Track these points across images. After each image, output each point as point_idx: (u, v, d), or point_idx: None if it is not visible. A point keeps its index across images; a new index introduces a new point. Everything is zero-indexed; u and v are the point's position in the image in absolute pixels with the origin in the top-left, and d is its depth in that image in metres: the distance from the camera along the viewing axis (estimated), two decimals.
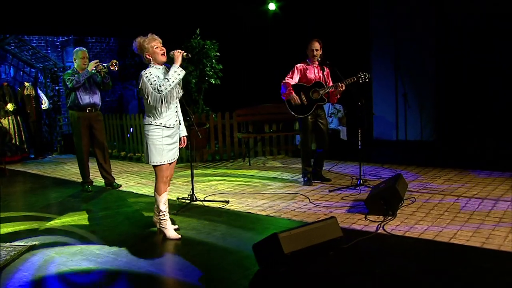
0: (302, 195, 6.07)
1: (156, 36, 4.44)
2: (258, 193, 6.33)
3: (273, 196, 6.09)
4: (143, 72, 4.33)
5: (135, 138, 9.89)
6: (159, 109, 4.32)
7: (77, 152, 6.97)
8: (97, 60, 6.93)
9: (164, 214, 4.56)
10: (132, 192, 6.80)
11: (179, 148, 4.70)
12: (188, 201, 5.90)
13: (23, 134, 9.94)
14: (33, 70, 11.38)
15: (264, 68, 10.18)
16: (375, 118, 9.89)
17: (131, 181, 7.52)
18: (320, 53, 6.52)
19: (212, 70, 9.17)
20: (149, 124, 4.40)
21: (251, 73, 10.38)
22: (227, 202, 5.90)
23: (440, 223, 4.65)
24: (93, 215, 5.65)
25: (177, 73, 4.29)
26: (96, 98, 6.93)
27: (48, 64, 11.12)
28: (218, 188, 6.73)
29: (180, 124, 4.65)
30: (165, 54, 4.40)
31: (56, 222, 5.34)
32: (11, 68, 10.92)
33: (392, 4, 9.53)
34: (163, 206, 4.54)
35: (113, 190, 6.97)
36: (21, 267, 3.96)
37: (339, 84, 6.34)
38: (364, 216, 5.00)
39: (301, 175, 6.95)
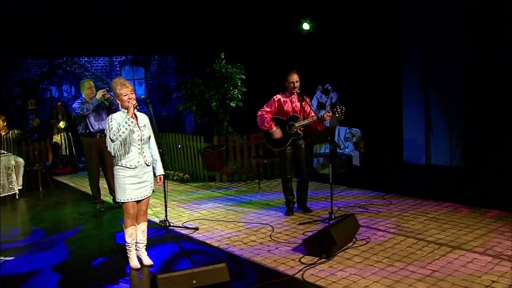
0: (271, 226, 6.12)
1: (128, 83, 4.75)
2: (234, 221, 6.47)
3: (244, 226, 6.21)
4: (108, 118, 4.71)
5: (169, 156, 10.48)
6: (118, 152, 4.66)
7: (89, 174, 7.56)
8: (105, 89, 7.40)
9: (129, 245, 4.87)
10: None
11: (159, 185, 5.08)
12: (162, 225, 6.24)
13: (73, 149, 10.99)
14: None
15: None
16: (405, 141, 9.50)
17: None
18: (299, 84, 6.49)
19: (235, 93, 9.39)
20: (114, 164, 4.75)
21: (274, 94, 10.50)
22: (197, 229, 6.14)
23: (367, 270, 4.51)
24: (80, 235, 6.21)
25: (127, 124, 4.59)
26: (105, 124, 7.46)
27: (101, 84, 12.16)
28: (204, 213, 6.97)
29: (151, 164, 4.87)
30: (130, 102, 4.66)
31: (42, 241, 6.00)
32: (73, 87, 12.13)
33: (423, 28, 9.11)
34: (129, 239, 4.84)
35: (118, 209, 7.50)
36: None
37: (314, 119, 6.26)
38: (302, 256, 4.96)
39: None
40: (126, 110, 4.71)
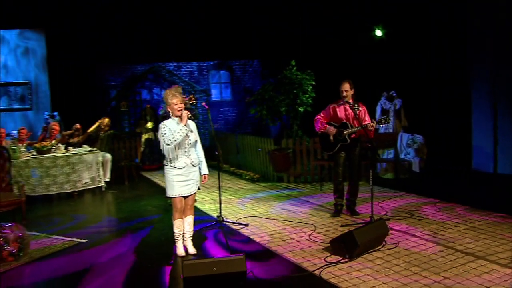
0: (314, 226, 6.56)
1: (178, 94, 5.53)
2: (283, 219, 7.00)
3: (291, 224, 6.72)
4: (161, 124, 5.48)
5: (242, 155, 11.26)
6: (171, 155, 5.43)
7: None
8: (184, 96, 8.22)
9: (176, 235, 5.65)
10: (196, 207, 8.09)
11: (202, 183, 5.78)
12: (217, 220, 6.96)
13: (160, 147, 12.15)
14: None
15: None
16: (474, 148, 9.35)
17: (208, 197, 8.80)
18: (351, 93, 6.84)
19: (305, 99, 9.89)
20: (164, 164, 5.56)
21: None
22: (247, 225, 6.77)
23: (382, 273, 4.81)
24: (146, 224, 7.11)
25: (182, 131, 5.34)
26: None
27: (188, 88, 13.26)
28: (260, 211, 7.58)
29: (197, 164, 5.59)
30: (181, 110, 5.45)
31: (113, 228, 7.03)
32: (162, 90, 13.38)
33: (493, 35, 8.92)
34: (176, 229, 5.62)
35: None
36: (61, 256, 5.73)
37: (361, 128, 6.58)
38: (329, 255, 5.38)
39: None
40: (176, 118, 5.45)
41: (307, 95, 10.02)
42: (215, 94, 14.64)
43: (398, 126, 9.37)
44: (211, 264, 4.53)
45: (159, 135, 5.46)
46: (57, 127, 10.08)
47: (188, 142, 5.47)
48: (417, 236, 5.92)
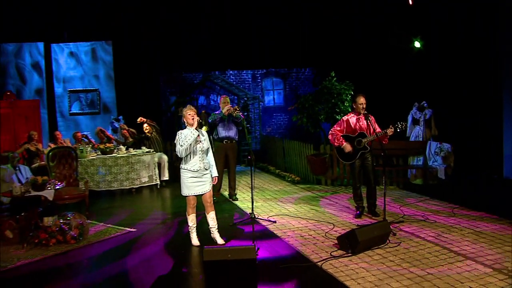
0: (333, 225, 7.33)
1: (193, 107, 6.56)
2: (309, 218, 7.80)
3: (312, 223, 7.52)
4: (178, 132, 6.50)
5: (287, 159, 12.10)
6: (184, 157, 6.42)
7: None
8: (230, 106, 8.94)
9: (191, 228, 6.68)
10: (236, 205, 9.07)
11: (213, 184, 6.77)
12: (249, 217, 7.89)
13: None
14: (235, 97, 14.75)
15: (394, 104, 11.01)
16: (506, 156, 9.63)
17: (248, 196, 9.73)
18: (365, 106, 7.57)
19: (343, 107, 10.62)
20: (181, 167, 6.58)
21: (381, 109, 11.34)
22: (274, 222, 7.66)
23: (375, 266, 5.51)
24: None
25: (192, 133, 6.33)
26: (231, 133, 9.14)
27: (242, 94, 14.28)
28: (290, 210, 8.43)
29: (209, 168, 6.54)
30: (194, 119, 6.41)
31: (160, 220, 8.16)
32: (219, 97, 14.49)
33: None
34: (190, 223, 6.65)
35: (227, 201, 9.33)
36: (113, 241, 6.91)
37: (379, 135, 7.28)
38: (335, 250, 6.15)
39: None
40: (191, 128, 6.38)
41: (346, 104, 10.73)
42: (268, 101, 15.59)
43: (428, 134, 9.87)
44: (226, 251, 5.44)
45: (176, 141, 6.42)
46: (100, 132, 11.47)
47: (201, 148, 6.42)
48: (421, 238, 6.53)
